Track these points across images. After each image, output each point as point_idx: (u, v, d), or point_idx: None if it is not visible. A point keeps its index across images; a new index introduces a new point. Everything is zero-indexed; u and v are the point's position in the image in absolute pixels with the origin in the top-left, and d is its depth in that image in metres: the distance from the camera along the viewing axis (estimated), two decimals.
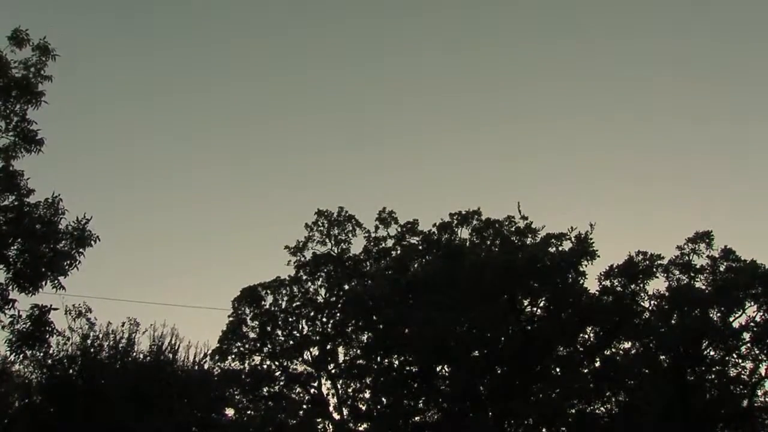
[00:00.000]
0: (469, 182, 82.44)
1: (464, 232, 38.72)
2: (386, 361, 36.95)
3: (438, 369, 36.11)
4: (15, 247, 19.02)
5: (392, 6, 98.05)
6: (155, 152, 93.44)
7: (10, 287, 18.98)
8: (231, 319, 39.53)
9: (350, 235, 41.37)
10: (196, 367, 29.07)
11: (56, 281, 19.09)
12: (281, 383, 38.80)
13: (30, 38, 19.99)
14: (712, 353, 32.98)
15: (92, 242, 19.60)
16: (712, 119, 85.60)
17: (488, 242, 37.61)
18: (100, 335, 26.78)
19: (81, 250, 19.43)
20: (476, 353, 34.70)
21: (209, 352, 33.13)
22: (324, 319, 39.95)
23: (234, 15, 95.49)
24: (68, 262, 19.20)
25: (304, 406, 38.61)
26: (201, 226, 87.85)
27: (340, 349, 39.30)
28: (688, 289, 32.97)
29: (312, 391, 39.22)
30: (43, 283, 19.07)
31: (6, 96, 19.47)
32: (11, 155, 19.58)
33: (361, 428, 37.90)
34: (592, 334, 34.55)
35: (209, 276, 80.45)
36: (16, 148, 19.62)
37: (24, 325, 18.95)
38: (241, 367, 38.65)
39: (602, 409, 33.29)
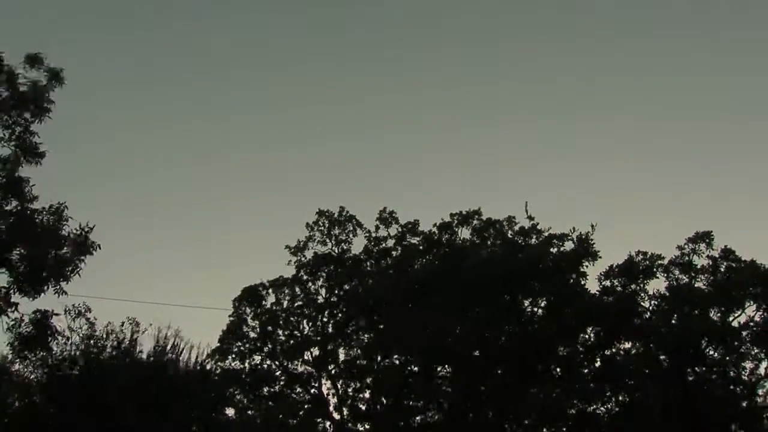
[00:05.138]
0: (470, 182, 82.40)
1: (465, 233, 38.60)
2: (386, 361, 36.95)
3: (438, 369, 36.11)
4: (17, 251, 19.06)
5: (393, 4, 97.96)
6: (155, 152, 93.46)
7: (12, 291, 19.03)
8: (232, 318, 39.49)
9: (351, 235, 41.21)
10: (197, 367, 29.11)
11: (58, 286, 19.17)
12: (282, 383, 38.76)
13: (46, 61, 20.32)
14: (712, 353, 32.98)
15: (93, 251, 19.72)
16: (711, 119, 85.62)
17: (489, 242, 37.58)
18: (101, 335, 26.86)
19: (82, 257, 19.55)
20: (476, 353, 34.69)
21: (210, 351, 33.20)
22: (325, 319, 39.94)
23: (231, 12, 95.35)
24: (70, 268, 19.28)
25: (305, 406, 38.61)
26: (201, 226, 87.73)
27: (341, 349, 39.32)
28: (688, 289, 32.98)
29: (312, 391, 39.19)
30: (45, 287, 19.13)
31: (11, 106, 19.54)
32: (12, 168, 19.65)
33: (361, 428, 37.95)
34: (592, 334, 34.55)
35: (209, 276, 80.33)
36: (18, 158, 19.69)
37: (27, 329, 19.01)
38: (242, 366, 38.60)
39: (602, 409, 33.28)
